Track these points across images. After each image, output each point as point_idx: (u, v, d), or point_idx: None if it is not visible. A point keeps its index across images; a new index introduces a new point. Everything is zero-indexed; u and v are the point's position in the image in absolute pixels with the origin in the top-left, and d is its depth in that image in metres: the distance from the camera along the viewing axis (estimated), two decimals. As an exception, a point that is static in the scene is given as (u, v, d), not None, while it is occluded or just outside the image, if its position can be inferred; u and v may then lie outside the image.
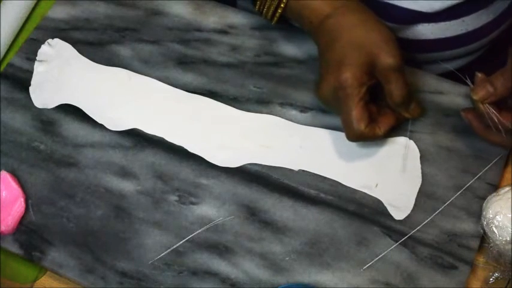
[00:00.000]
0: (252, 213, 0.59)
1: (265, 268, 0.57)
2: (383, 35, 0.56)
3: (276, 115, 0.64)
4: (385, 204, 0.59)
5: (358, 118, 0.56)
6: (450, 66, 0.67)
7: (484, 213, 0.55)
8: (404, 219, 0.58)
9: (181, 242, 0.59)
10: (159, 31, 0.69)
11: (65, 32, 0.70)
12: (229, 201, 0.60)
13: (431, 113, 0.62)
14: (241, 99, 0.65)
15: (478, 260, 0.57)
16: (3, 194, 0.61)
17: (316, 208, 0.59)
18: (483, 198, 0.57)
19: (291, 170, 0.61)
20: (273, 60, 0.66)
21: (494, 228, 0.54)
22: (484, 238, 0.56)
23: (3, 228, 0.60)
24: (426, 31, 0.66)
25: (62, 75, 0.68)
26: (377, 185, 0.59)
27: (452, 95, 0.63)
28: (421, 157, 0.60)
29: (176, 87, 0.66)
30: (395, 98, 0.57)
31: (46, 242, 0.60)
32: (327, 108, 0.62)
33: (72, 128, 0.65)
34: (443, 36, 0.66)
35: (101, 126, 0.65)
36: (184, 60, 0.67)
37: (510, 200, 0.54)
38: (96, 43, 0.69)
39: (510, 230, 0.54)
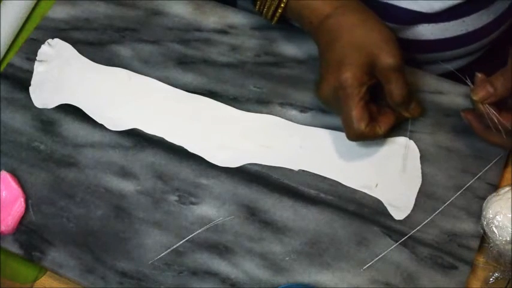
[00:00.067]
0: (252, 213, 0.59)
1: (265, 268, 0.57)
2: (383, 35, 0.56)
3: (276, 115, 0.64)
4: (385, 204, 0.59)
5: (358, 118, 0.56)
6: (450, 66, 0.67)
7: (484, 213, 0.55)
8: (404, 219, 0.58)
9: (181, 242, 0.59)
10: (159, 31, 0.69)
11: (65, 32, 0.70)
12: (229, 201, 0.60)
13: (431, 113, 0.62)
14: (241, 99, 0.65)
15: (478, 260, 0.57)
16: (3, 194, 0.61)
17: (316, 208, 0.59)
18: (483, 198, 0.57)
19: (291, 170, 0.61)
20: (273, 60, 0.67)
21: (494, 228, 0.54)
22: (484, 238, 0.56)
23: (3, 228, 0.60)
24: (426, 31, 0.66)
25: (62, 75, 0.68)
26: (377, 185, 0.59)
27: (452, 95, 0.63)
28: (421, 157, 0.60)
29: (176, 87, 0.66)
30: (395, 98, 0.57)
31: (46, 242, 0.60)
32: (327, 108, 0.62)
33: (72, 128, 0.65)
34: (443, 37, 0.66)
35: (101, 126, 0.65)
36: (184, 60, 0.67)
37: (510, 200, 0.54)
38: (96, 43, 0.69)
39: (510, 230, 0.54)
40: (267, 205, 0.60)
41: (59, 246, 0.60)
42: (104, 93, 0.66)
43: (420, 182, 0.59)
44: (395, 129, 0.60)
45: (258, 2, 0.63)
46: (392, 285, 0.56)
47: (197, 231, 0.59)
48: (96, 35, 0.70)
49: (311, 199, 0.60)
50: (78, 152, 0.64)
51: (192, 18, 0.69)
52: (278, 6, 0.61)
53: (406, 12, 0.64)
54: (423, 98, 0.63)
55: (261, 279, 0.57)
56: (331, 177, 0.60)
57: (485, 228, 0.55)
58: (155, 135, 0.64)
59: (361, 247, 0.57)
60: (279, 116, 0.63)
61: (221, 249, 0.58)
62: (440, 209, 0.58)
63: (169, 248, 0.59)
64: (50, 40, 0.70)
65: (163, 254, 0.58)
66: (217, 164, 0.62)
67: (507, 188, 0.56)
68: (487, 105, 0.55)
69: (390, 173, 0.60)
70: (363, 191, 0.59)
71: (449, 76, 0.64)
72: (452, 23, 0.65)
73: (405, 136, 0.61)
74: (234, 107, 0.64)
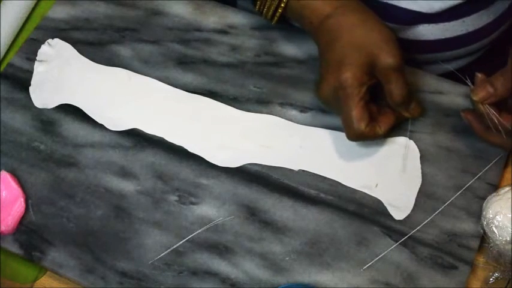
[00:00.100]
0: (252, 213, 0.59)
1: (265, 268, 0.57)
2: (383, 35, 0.56)
3: (276, 115, 0.64)
4: (385, 204, 0.59)
5: (358, 118, 0.56)
6: (450, 66, 0.67)
7: (484, 213, 0.55)
8: (404, 219, 0.58)
9: (181, 242, 0.59)
10: (159, 31, 0.69)
11: (65, 32, 0.70)
12: (229, 201, 0.60)
13: (431, 113, 0.62)
14: (241, 99, 0.65)
15: (478, 260, 0.57)
16: (3, 194, 0.61)
17: (316, 208, 0.59)
18: (483, 198, 0.57)
19: (291, 170, 0.61)
20: (273, 60, 0.67)
21: (494, 228, 0.54)
22: (484, 238, 0.56)
23: (3, 228, 0.60)
24: (426, 32, 0.66)
25: (62, 75, 0.68)
26: (377, 185, 0.59)
27: (452, 95, 0.63)
28: (421, 157, 0.60)
29: (176, 87, 0.66)
30: (395, 98, 0.57)
31: (46, 242, 0.60)
32: (327, 108, 0.62)
33: (72, 128, 0.65)
34: (443, 37, 0.66)
35: (101, 126, 0.65)
36: (184, 60, 0.67)
37: (510, 200, 0.54)
38: (96, 43, 0.69)
39: (510, 230, 0.54)
40: (267, 205, 0.60)
41: (59, 246, 0.60)
42: (104, 93, 0.66)
43: (420, 182, 0.59)
44: (395, 129, 0.60)
45: (258, 2, 0.63)
46: (392, 285, 0.56)
47: (197, 231, 0.59)
48: (96, 35, 0.70)
49: (311, 199, 0.60)
50: (78, 152, 0.64)
51: (192, 18, 0.69)
52: (278, 6, 0.61)
53: (406, 12, 0.64)
54: (423, 98, 0.63)
55: (261, 279, 0.57)
56: (331, 177, 0.60)
57: (485, 228, 0.55)
58: (155, 135, 0.64)
59: (361, 247, 0.57)
60: (279, 116, 0.63)
61: (221, 249, 0.58)
62: (440, 209, 0.58)
63: (169, 248, 0.59)
64: (50, 40, 0.70)
65: (163, 254, 0.58)
66: (217, 164, 0.62)
67: (507, 188, 0.56)
68: (487, 105, 0.55)
69: (390, 173, 0.60)
70: (363, 191, 0.59)
71: (449, 76, 0.64)
72: (452, 23, 0.65)
73: (405, 136, 0.61)
74: (234, 107, 0.64)
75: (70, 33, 0.70)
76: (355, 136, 0.57)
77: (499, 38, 0.70)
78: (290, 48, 0.67)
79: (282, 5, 0.61)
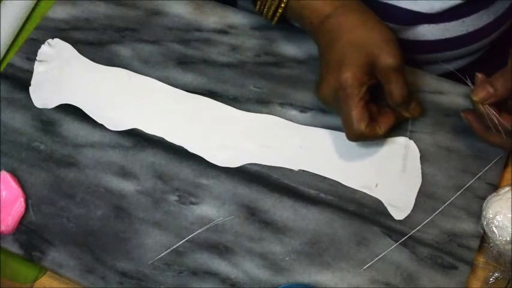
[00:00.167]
0: (252, 213, 0.59)
1: (265, 268, 0.57)
2: (383, 35, 0.56)
3: (276, 115, 0.64)
4: (385, 204, 0.59)
5: (358, 118, 0.56)
6: (450, 66, 0.67)
7: (484, 213, 0.55)
8: (404, 219, 0.58)
9: (181, 242, 0.59)
10: (159, 31, 0.69)
11: (65, 32, 0.70)
12: (229, 201, 0.60)
13: (431, 113, 0.62)
14: (241, 99, 0.65)
15: (478, 260, 0.57)
16: (3, 194, 0.61)
17: (316, 208, 0.59)
18: (483, 198, 0.57)
19: (291, 170, 0.61)
20: (273, 60, 0.67)
21: (494, 228, 0.54)
22: (484, 238, 0.56)
23: (3, 228, 0.60)
24: (426, 32, 0.66)
25: (62, 75, 0.68)
26: (377, 185, 0.59)
27: (452, 95, 0.63)
28: (421, 157, 0.60)
29: (176, 87, 0.66)
30: (395, 98, 0.57)
31: (46, 242, 0.60)
32: (327, 108, 0.62)
33: (72, 128, 0.65)
34: (443, 37, 0.66)
35: (101, 126, 0.65)
36: (184, 60, 0.67)
37: (510, 200, 0.54)
38: (96, 43, 0.69)
39: (510, 230, 0.54)
40: (267, 205, 0.60)
41: (59, 246, 0.60)
42: (104, 93, 0.66)
43: (420, 182, 0.59)
44: (395, 129, 0.60)
45: (258, 2, 0.63)
46: (392, 285, 0.56)
47: (197, 231, 0.59)
48: (96, 35, 0.70)
49: (311, 199, 0.60)
50: (78, 152, 0.64)
51: (192, 18, 0.69)
52: (278, 6, 0.61)
53: (406, 12, 0.64)
54: (423, 98, 0.63)
55: (261, 279, 0.57)
56: (331, 177, 0.60)
57: (485, 228, 0.55)
58: (155, 135, 0.64)
59: (361, 247, 0.57)
60: (279, 116, 0.63)
61: (221, 249, 0.58)
62: (440, 209, 0.58)
63: (169, 248, 0.59)
64: (50, 40, 0.70)
65: (163, 254, 0.58)
66: (217, 164, 0.62)
67: (507, 188, 0.56)
68: (487, 105, 0.55)
69: (390, 173, 0.60)
70: (363, 191, 0.59)
71: (449, 76, 0.64)
72: (452, 23, 0.65)
73: (405, 136, 0.61)
74: (234, 107, 0.64)
75: (70, 33, 0.70)
76: (355, 136, 0.57)
77: (499, 38, 0.70)
78: (290, 48, 0.67)
79: (282, 5, 0.61)
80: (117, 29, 0.70)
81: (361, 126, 0.56)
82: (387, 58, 0.55)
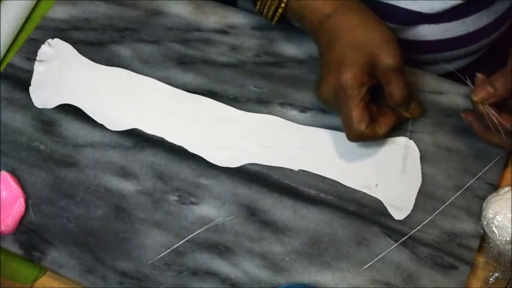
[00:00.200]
0: (252, 213, 0.59)
1: (265, 268, 0.57)
2: (383, 35, 0.56)
3: (276, 115, 0.64)
4: (385, 204, 0.59)
5: (358, 118, 0.56)
6: (450, 66, 0.67)
7: (484, 213, 0.55)
8: (404, 219, 0.58)
9: (181, 242, 0.59)
10: (159, 31, 0.69)
11: (65, 32, 0.70)
12: (229, 201, 0.60)
13: (431, 113, 0.62)
14: (241, 99, 0.65)
15: (478, 260, 0.57)
16: (3, 194, 0.61)
17: (316, 208, 0.59)
18: (483, 198, 0.57)
19: (291, 170, 0.61)
20: (273, 60, 0.67)
21: (494, 228, 0.54)
22: (484, 238, 0.56)
23: (3, 228, 0.60)
24: (426, 32, 0.66)
25: (62, 75, 0.68)
26: (377, 185, 0.59)
27: (453, 95, 0.63)
28: (421, 157, 0.60)
29: (176, 87, 0.66)
30: (395, 98, 0.57)
31: (46, 242, 0.60)
32: (327, 108, 0.62)
33: (72, 128, 0.65)
34: (443, 37, 0.66)
35: (101, 126, 0.65)
36: (184, 60, 0.67)
37: (510, 200, 0.54)
38: (96, 43, 0.69)
39: (510, 230, 0.54)
40: (267, 205, 0.60)
41: (59, 246, 0.60)
42: (104, 93, 0.66)
43: (420, 182, 0.59)
44: (396, 129, 0.60)
45: (258, 2, 0.63)
46: (392, 285, 0.56)
47: (197, 231, 0.59)
48: (96, 35, 0.70)
49: (311, 199, 0.60)
50: (78, 152, 0.64)
51: (192, 18, 0.69)
52: (278, 6, 0.61)
53: (406, 12, 0.64)
54: (423, 98, 0.63)
55: (261, 279, 0.57)
56: (331, 177, 0.60)
57: (485, 228, 0.55)
58: (155, 135, 0.64)
59: (361, 247, 0.57)
60: (279, 116, 0.63)
61: (221, 249, 0.58)
62: (440, 209, 0.58)
63: (169, 248, 0.59)
64: (50, 40, 0.70)
65: (163, 254, 0.58)
66: (217, 164, 0.62)
67: (507, 188, 0.56)
68: (487, 105, 0.55)
69: (390, 173, 0.60)
70: (363, 191, 0.59)
71: (450, 76, 0.64)
72: (452, 23, 0.65)
73: (405, 136, 0.61)
74: (234, 107, 0.64)
75: (70, 33, 0.70)
76: (355, 137, 0.57)
77: (499, 38, 0.70)
78: (290, 48, 0.67)
79: (282, 5, 0.61)
80: (117, 29, 0.70)
81: (362, 126, 0.56)
82: (387, 58, 0.55)
